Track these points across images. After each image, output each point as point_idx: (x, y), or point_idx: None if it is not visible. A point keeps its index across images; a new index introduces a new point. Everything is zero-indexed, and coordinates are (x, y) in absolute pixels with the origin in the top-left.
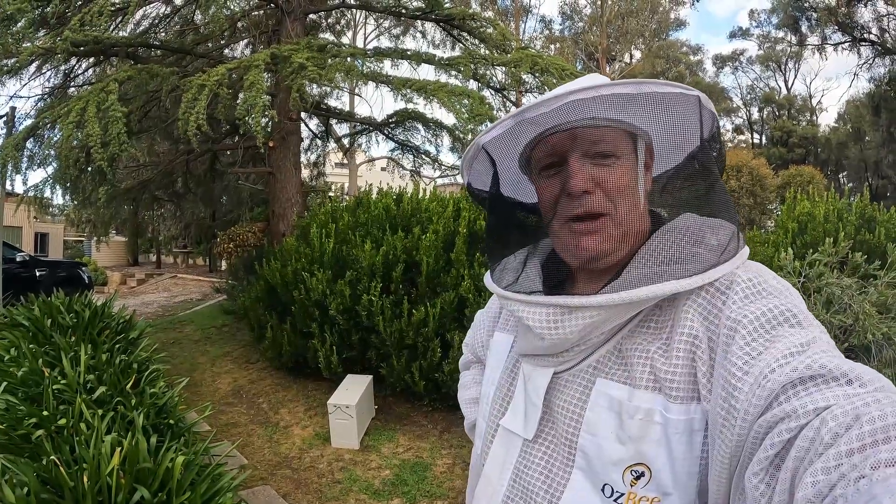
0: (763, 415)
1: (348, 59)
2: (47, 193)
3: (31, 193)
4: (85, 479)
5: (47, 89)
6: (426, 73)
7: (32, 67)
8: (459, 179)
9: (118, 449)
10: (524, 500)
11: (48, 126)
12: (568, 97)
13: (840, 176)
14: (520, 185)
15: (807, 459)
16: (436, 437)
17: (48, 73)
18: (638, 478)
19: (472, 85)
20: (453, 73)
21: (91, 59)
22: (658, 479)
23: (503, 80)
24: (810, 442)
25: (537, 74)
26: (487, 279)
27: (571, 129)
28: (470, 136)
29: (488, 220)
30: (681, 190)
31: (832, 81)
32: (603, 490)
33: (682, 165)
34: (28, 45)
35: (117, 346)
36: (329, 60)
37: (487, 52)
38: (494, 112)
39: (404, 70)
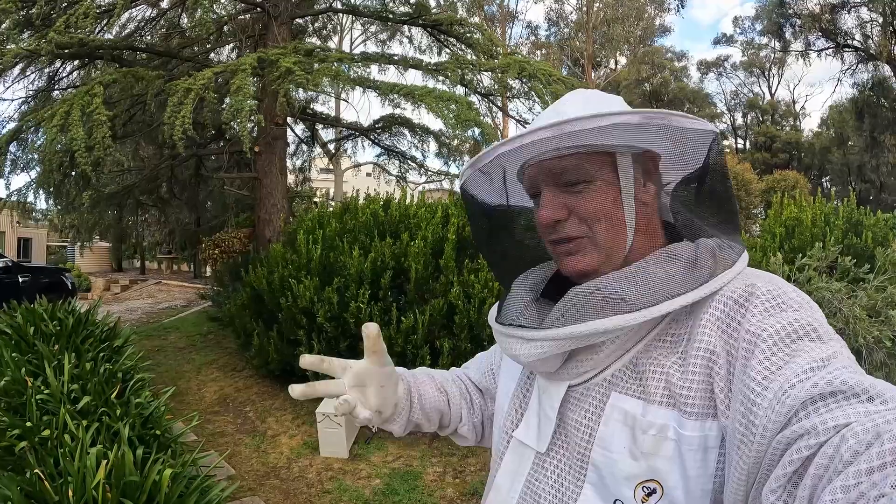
0: (782, 431)
1: (335, 63)
2: (30, 198)
3: (13, 198)
4: (70, 494)
5: (31, 92)
6: (413, 78)
7: (16, 69)
8: (446, 185)
9: (104, 461)
10: None
11: (32, 129)
12: (523, 139)
13: (823, 180)
14: (511, 211)
15: (826, 477)
16: (425, 445)
17: (32, 75)
18: (649, 494)
19: (459, 90)
20: (440, 78)
21: (76, 62)
22: (671, 495)
23: (490, 86)
24: (829, 459)
25: (525, 80)
26: (492, 313)
27: (537, 163)
28: (456, 142)
29: (487, 255)
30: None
31: (816, 87)
32: None
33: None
34: (12, 46)
35: (101, 354)
36: (316, 65)
37: (474, 57)
38: (481, 117)
39: (391, 75)
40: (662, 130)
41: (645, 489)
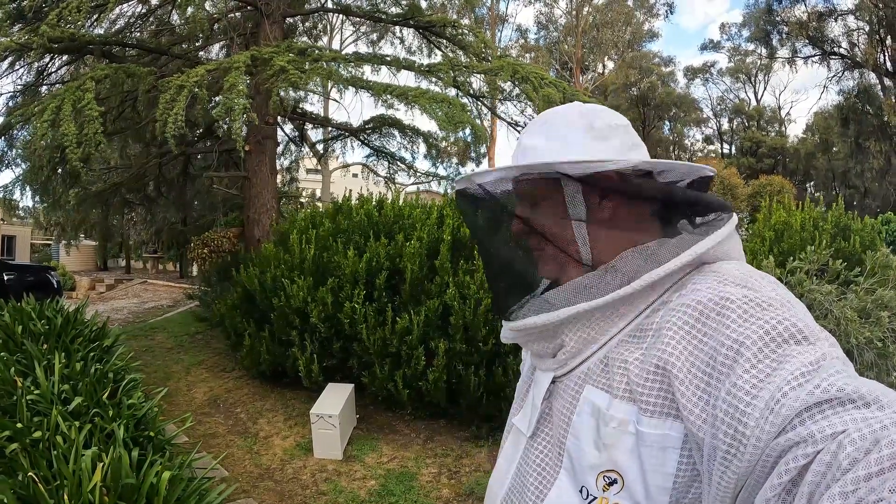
0: (776, 439)
1: (329, 63)
2: (16, 194)
3: None
4: (66, 497)
5: (19, 87)
6: (405, 78)
7: (5, 63)
8: (434, 186)
9: (100, 464)
10: (520, 493)
11: (20, 125)
12: (459, 184)
13: (808, 185)
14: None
15: (823, 484)
16: (420, 445)
17: (21, 69)
18: (610, 484)
19: (451, 92)
20: (433, 79)
21: (65, 57)
22: (631, 488)
23: (480, 88)
24: (827, 467)
25: (517, 83)
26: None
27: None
28: (445, 144)
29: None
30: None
31: (801, 94)
32: (581, 491)
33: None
34: (3, 39)
35: (91, 354)
36: (308, 64)
37: (467, 59)
38: (473, 119)
39: (383, 75)
40: (539, 178)
41: (606, 479)
